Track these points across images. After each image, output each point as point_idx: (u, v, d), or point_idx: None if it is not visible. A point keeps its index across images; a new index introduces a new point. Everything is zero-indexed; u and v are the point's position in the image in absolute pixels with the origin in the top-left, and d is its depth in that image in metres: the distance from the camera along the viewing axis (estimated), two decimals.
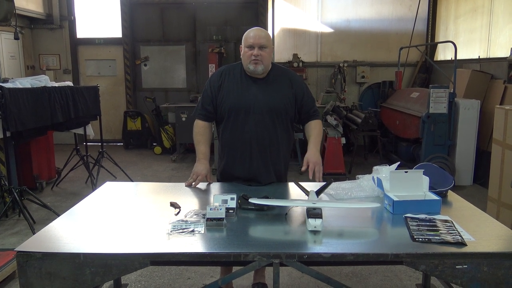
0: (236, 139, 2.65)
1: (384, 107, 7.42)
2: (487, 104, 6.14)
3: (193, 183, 2.65)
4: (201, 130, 2.74)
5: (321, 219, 1.91)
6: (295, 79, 2.74)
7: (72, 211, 2.22)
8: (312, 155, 2.61)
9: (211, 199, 2.22)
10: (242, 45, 2.62)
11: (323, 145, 6.64)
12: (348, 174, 6.31)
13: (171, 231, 1.92)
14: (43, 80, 5.07)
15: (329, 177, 6.02)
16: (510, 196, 3.98)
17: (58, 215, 2.22)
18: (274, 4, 8.84)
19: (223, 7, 8.90)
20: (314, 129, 2.74)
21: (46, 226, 2.01)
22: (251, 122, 2.60)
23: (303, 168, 2.58)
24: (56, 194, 5.65)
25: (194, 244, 1.81)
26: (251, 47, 2.55)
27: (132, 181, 6.12)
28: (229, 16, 8.93)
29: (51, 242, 1.83)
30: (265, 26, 8.73)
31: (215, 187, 2.67)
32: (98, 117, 6.07)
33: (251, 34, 2.58)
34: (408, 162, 6.59)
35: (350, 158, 6.83)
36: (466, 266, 1.71)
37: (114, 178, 6.21)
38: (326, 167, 6.26)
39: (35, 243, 1.82)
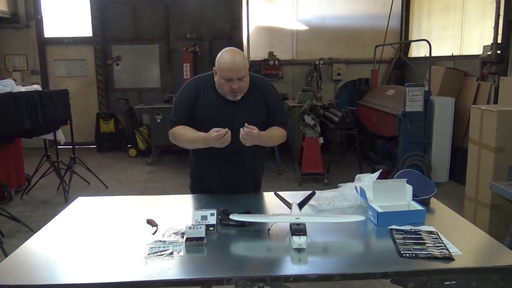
0: (211, 153, 2.52)
1: (361, 104, 7.44)
2: (461, 101, 6.22)
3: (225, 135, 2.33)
4: (181, 130, 2.52)
5: (305, 236, 1.84)
6: (268, 91, 2.60)
7: (41, 234, 2.08)
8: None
9: (190, 214, 2.13)
10: (216, 70, 2.41)
11: (301, 145, 6.61)
12: (327, 173, 6.28)
13: (148, 254, 1.82)
14: (9, 85, 4.81)
15: (309, 178, 6.02)
16: (487, 196, 4.02)
17: (29, 228, 2.08)
18: (249, 1, 8.73)
19: (197, 5, 8.74)
20: (272, 129, 2.55)
21: (13, 252, 1.88)
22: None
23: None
24: (26, 203, 5.42)
25: (173, 269, 1.71)
26: (229, 79, 2.36)
27: (106, 187, 5.95)
28: (204, 13, 8.78)
29: (19, 272, 1.70)
30: (239, 24, 8.63)
31: (193, 199, 2.58)
32: (68, 121, 5.85)
33: (227, 65, 2.34)
34: (385, 160, 6.63)
35: (328, 157, 6.82)
36: (454, 282, 1.68)
37: (88, 184, 6.02)
38: (304, 167, 6.23)
39: (1, 273, 1.69)
